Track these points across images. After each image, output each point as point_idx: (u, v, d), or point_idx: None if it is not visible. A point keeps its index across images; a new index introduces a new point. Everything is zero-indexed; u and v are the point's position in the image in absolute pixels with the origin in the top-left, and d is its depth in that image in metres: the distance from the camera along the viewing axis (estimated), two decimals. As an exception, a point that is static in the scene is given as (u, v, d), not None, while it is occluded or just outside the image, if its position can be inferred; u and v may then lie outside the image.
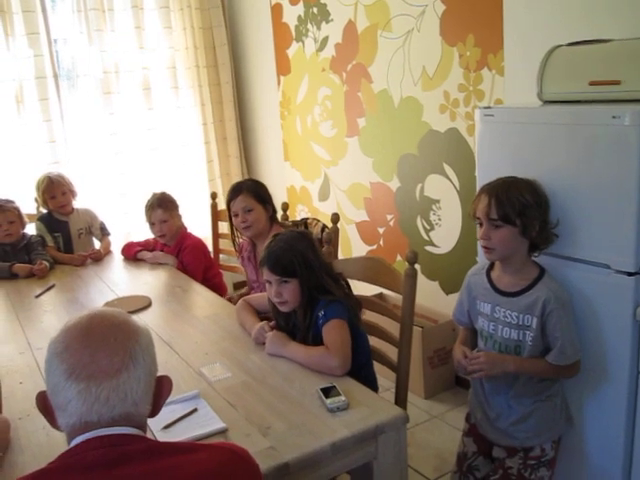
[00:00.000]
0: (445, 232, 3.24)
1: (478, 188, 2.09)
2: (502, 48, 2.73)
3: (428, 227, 3.33)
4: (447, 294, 3.30)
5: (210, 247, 3.61)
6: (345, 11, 3.58)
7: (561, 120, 1.94)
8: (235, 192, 2.74)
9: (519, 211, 1.78)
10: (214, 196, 3.77)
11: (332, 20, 3.71)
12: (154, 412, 1.11)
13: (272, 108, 4.44)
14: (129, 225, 4.37)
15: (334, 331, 1.89)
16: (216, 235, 3.70)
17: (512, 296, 1.87)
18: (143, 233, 4.30)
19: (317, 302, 1.97)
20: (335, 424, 1.54)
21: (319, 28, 3.83)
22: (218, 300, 2.58)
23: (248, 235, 2.77)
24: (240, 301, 2.30)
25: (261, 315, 2.21)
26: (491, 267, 1.97)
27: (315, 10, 3.82)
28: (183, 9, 4.41)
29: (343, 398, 1.62)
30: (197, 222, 4.19)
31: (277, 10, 4.17)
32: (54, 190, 3.40)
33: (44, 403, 1.08)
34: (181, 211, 4.40)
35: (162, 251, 3.28)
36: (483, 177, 2.11)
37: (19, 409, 1.77)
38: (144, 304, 2.54)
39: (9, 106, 3.99)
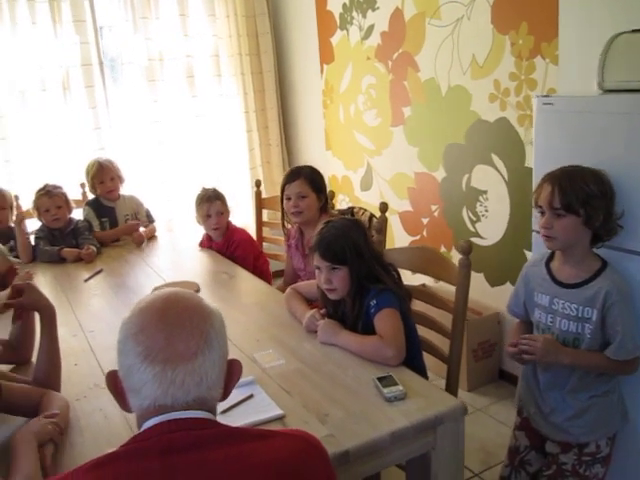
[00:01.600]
0: (492, 224, 3.20)
1: (534, 178, 2.06)
2: (557, 36, 2.66)
3: (474, 218, 3.29)
4: (492, 286, 3.26)
5: (254, 235, 3.61)
6: (392, -2, 3.54)
7: (623, 109, 1.89)
8: (292, 177, 2.72)
9: (583, 200, 1.74)
10: (258, 184, 3.77)
11: (378, 8, 3.67)
12: (224, 396, 1.10)
13: (314, 97, 4.43)
14: (170, 212, 4.40)
15: (388, 320, 1.88)
16: (260, 223, 3.70)
17: (572, 288, 1.83)
18: (184, 221, 4.36)
19: (367, 291, 1.96)
20: (393, 413, 1.53)
21: (364, 16, 3.79)
22: (264, 287, 2.59)
23: (297, 221, 2.75)
24: (289, 289, 2.29)
25: (310, 303, 2.21)
26: (551, 258, 1.93)
27: (361, -2, 3.79)
28: (227, -4, 4.41)
29: (400, 387, 1.61)
30: (238, 210, 4.20)
31: (321, -2, 4.15)
32: (103, 175, 3.44)
33: (115, 383, 1.07)
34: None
35: (211, 248, 3.27)
36: (540, 167, 2.06)
37: (76, 391, 1.79)
38: (192, 290, 2.54)
39: (56, 93, 4.04)
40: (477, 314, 3.29)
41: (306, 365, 1.83)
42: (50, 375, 1.74)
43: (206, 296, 2.48)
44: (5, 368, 1.95)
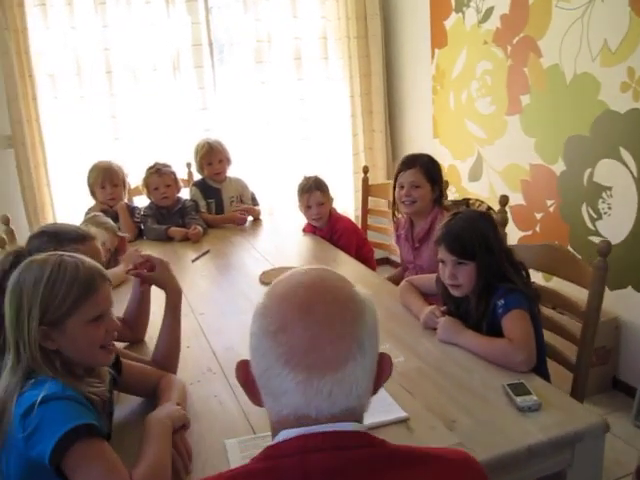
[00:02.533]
0: (615, 222, 2.98)
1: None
2: None
3: (595, 216, 3.08)
4: (612, 290, 3.03)
5: (359, 223, 3.53)
6: (516, -21, 3.35)
7: None
8: (408, 164, 2.62)
9: None
10: (366, 170, 3.68)
11: (500, -11, 3.49)
12: (372, 394, 0.97)
13: (423, 82, 4.28)
14: (273, 196, 4.38)
15: (518, 322, 1.75)
16: (365, 211, 3.61)
17: None
18: (286, 206, 4.33)
19: (494, 289, 1.83)
20: (528, 425, 1.41)
21: (483, -2, 3.61)
22: (375, 277, 2.51)
23: (407, 211, 2.65)
24: (404, 282, 2.20)
25: (425, 298, 2.11)
26: None
27: (480, -22, 3.61)
28: (337, -23, 4.32)
29: (535, 397, 1.48)
30: (339, 196, 4.12)
31: (437, -21, 3.99)
32: (212, 157, 3.44)
33: (245, 376, 0.93)
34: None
35: (314, 233, 3.23)
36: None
37: (189, 375, 1.77)
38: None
39: (166, 72, 4.08)
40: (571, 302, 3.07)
41: (427, 364, 1.73)
42: (169, 357, 1.73)
43: None
44: (120, 346, 1.96)
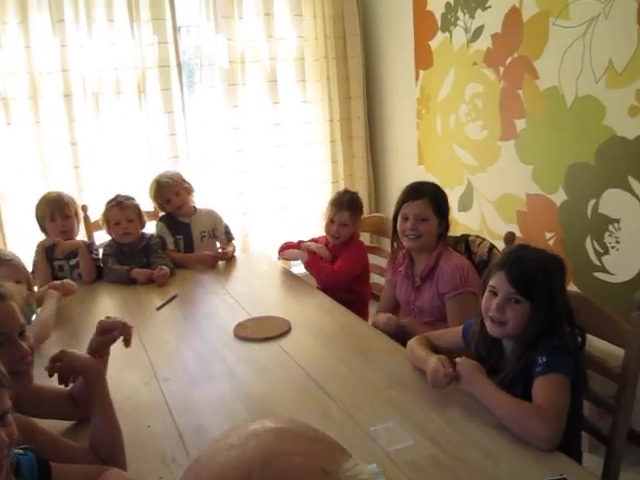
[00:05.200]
0: (624, 257, 2.72)
1: None
2: None
3: (601, 250, 2.82)
4: (621, 331, 2.77)
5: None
6: (508, -4, 3.11)
7: None
8: (414, 194, 2.31)
9: None
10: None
11: (490, 7, 3.24)
12: None
13: (407, 105, 4.02)
14: (248, 226, 4.08)
15: (554, 390, 1.47)
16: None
17: None
18: (263, 235, 4.02)
19: (538, 343, 1.56)
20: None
21: (472, 16, 3.37)
22: (371, 331, 2.18)
23: (411, 246, 2.34)
24: (418, 337, 1.89)
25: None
26: None
27: (468, -4, 3.37)
28: (315, -5, 4.06)
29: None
30: (316, 227, 3.80)
31: (420, -3, 3.75)
32: (166, 193, 3.14)
33: None
34: (303, 214, 4.11)
35: (326, 245, 2.98)
36: None
37: (148, 468, 1.44)
38: (282, 329, 2.17)
39: (131, 96, 3.76)
40: (602, 360, 2.81)
41: (441, 449, 1.42)
42: (111, 446, 1.39)
43: (300, 338, 2.09)
44: (65, 426, 1.62)
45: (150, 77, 3.78)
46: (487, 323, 1.63)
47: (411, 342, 1.88)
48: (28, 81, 3.55)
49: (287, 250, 3.03)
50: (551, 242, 3.07)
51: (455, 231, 3.59)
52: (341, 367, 1.87)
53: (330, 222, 2.92)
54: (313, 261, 2.89)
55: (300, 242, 3.06)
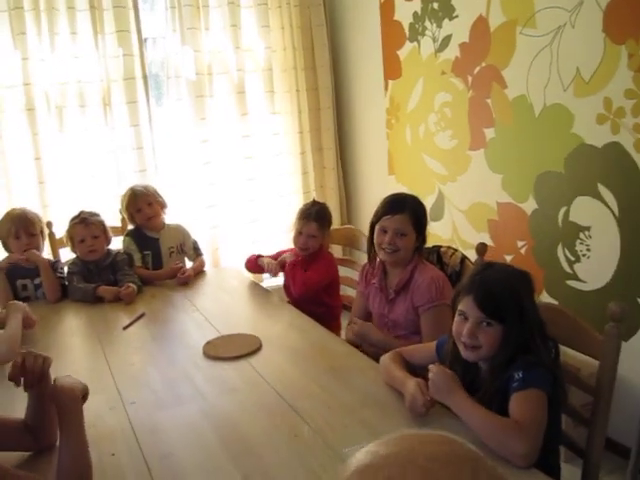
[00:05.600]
0: (596, 265, 2.72)
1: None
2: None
3: (572, 258, 2.82)
4: (594, 339, 2.77)
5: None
6: (475, 5, 3.10)
7: None
8: (395, 208, 2.26)
9: None
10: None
11: (457, 16, 3.24)
12: None
13: (377, 116, 4.00)
14: (218, 240, 4.02)
15: (531, 405, 1.44)
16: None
17: None
18: (234, 249, 3.96)
19: (513, 360, 1.53)
20: None
21: (440, 26, 3.37)
22: (344, 347, 2.12)
23: (387, 260, 2.30)
24: (391, 353, 1.84)
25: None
26: None
27: (436, 5, 3.36)
28: (282, 6, 4.03)
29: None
30: (287, 240, 3.75)
31: (388, 7, 3.73)
32: (138, 202, 3.07)
33: None
34: (274, 227, 4.06)
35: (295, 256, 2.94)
36: None
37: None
38: (253, 347, 2.11)
39: (95, 109, 3.69)
40: (574, 370, 2.80)
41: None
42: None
43: (270, 356, 2.04)
44: (21, 457, 1.54)
45: (115, 90, 3.71)
46: (460, 348, 1.59)
47: (384, 359, 1.84)
48: (-12, 95, 3.46)
49: (267, 259, 2.98)
50: (522, 250, 3.07)
51: (427, 241, 3.59)
52: (313, 386, 1.82)
53: (298, 234, 2.87)
54: (293, 266, 2.86)
55: (259, 256, 3.02)
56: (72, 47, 3.57)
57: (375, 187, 4.16)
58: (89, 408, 1.75)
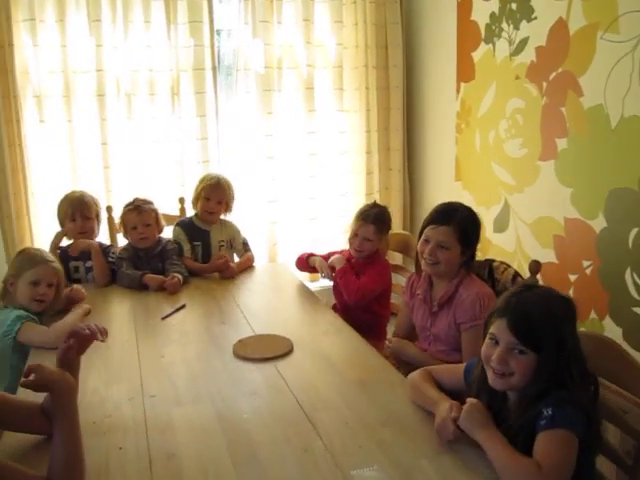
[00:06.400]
0: (666, 293, 2.52)
1: None
2: None
3: (642, 284, 2.61)
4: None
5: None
6: (555, 7, 2.92)
7: None
8: (442, 219, 2.14)
9: None
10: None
11: (535, 18, 3.07)
12: None
13: (447, 119, 3.86)
14: (276, 235, 3.99)
15: (557, 447, 1.31)
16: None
17: None
18: (291, 245, 3.92)
19: (545, 394, 1.40)
20: None
21: (517, 27, 3.20)
22: (377, 360, 2.02)
23: (428, 271, 2.20)
24: (420, 371, 1.73)
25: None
26: None
27: (514, 6, 3.20)
28: (357, 2, 3.94)
29: None
30: (346, 240, 3.67)
31: (465, 6, 3.59)
32: (215, 193, 3.08)
33: None
34: (333, 226, 3.99)
35: (349, 260, 2.83)
36: None
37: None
38: (282, 350, 2.04)
39: (164, 98, 3.72)
40: (621, 412, 2.59)
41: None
42: (66, 473, 1.30)
43: (300, 360, 1.93)
44: (35, 439, 1.54)
45: (184, 80, 3.73)
46: (489, 374, 1.47)
47: (413, 376, 1.73)
48: (62, 80, 3.54)
49: (318, 258, 2.90)
50: (588, 271, 2.87)
51: (488, 252, 3.43)
52: (335, 398, 1.74)
53: (354, 235, 2.78)
54: (345, 273, 2.73)
55: (310, 255, 2.95)
56: (145, 36, 3.62)
57: (440, 193, 4.02)
58: (109, 397, 1.76)
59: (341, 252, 2.94)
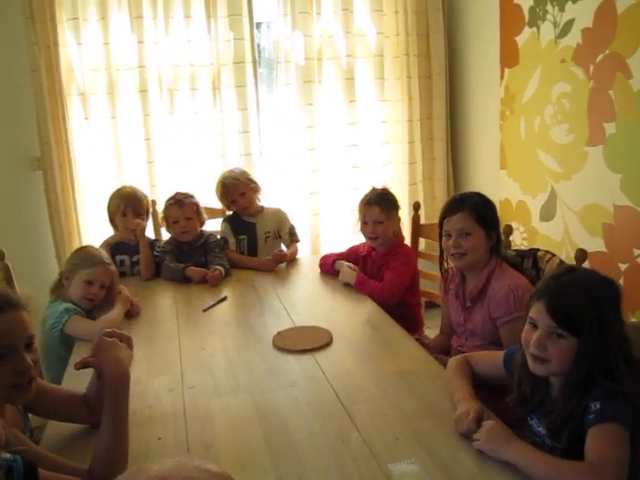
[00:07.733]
0: None
1: None
2: None
3: (696, 272, 2.51)
4: None
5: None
6: (602, -14, 2.83)
7: None
8: (453, 208, 2.12)
9: None
10: (417, 207, 3.18)
11: (581, -1, 2.97)
12: None
13: (491, 106, 3.78)
14: (319, 227, 3.98)
15: (610, 443, 1.26)
16: (415, 253, 3.08)
17: None
18: (334, 238, 3.91)
19: (590, 385, 1.35)
20: None
21: (562, 9, 3.10)
22: (417, 352, 1.99)
23: (458, 265, 2.17)
24: (457, 358, 1.71)
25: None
26: None
27: (559, -13, 3.11)
28: (397, -10, 3.89)
29: None
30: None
31: (509, -11, 3.50)
32: (231, 194, 3.09)
33: None
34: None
35: (369, 254, 2.80)
36: None
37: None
38: (322, 342, 2.04)
39: (205, 92, 3.75)
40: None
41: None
42: (111, 470, 1.31)
43: (339, 352, 1.91)
44: (77, 428, 1.57)
45: (225, 73, 3.75)
46: (528, 359, 1.43)
47: (451, 363, 1.70)
48: (106, 77, 3.61)
49: (343, 262, 2.81)
50: (639, 260, 2.78)
51: (535, 242, 3.35)
52: (374, 389, 1.72)
53: (364, 224, 2.73)
54: (362, 284, 2.63)
55: (337, 258, 2.86)
56: (185, 31, 3.65)
57: (485, 182, 3.94)
58: (150, 388, 1.78)
59: (359, 246, 2.89)
